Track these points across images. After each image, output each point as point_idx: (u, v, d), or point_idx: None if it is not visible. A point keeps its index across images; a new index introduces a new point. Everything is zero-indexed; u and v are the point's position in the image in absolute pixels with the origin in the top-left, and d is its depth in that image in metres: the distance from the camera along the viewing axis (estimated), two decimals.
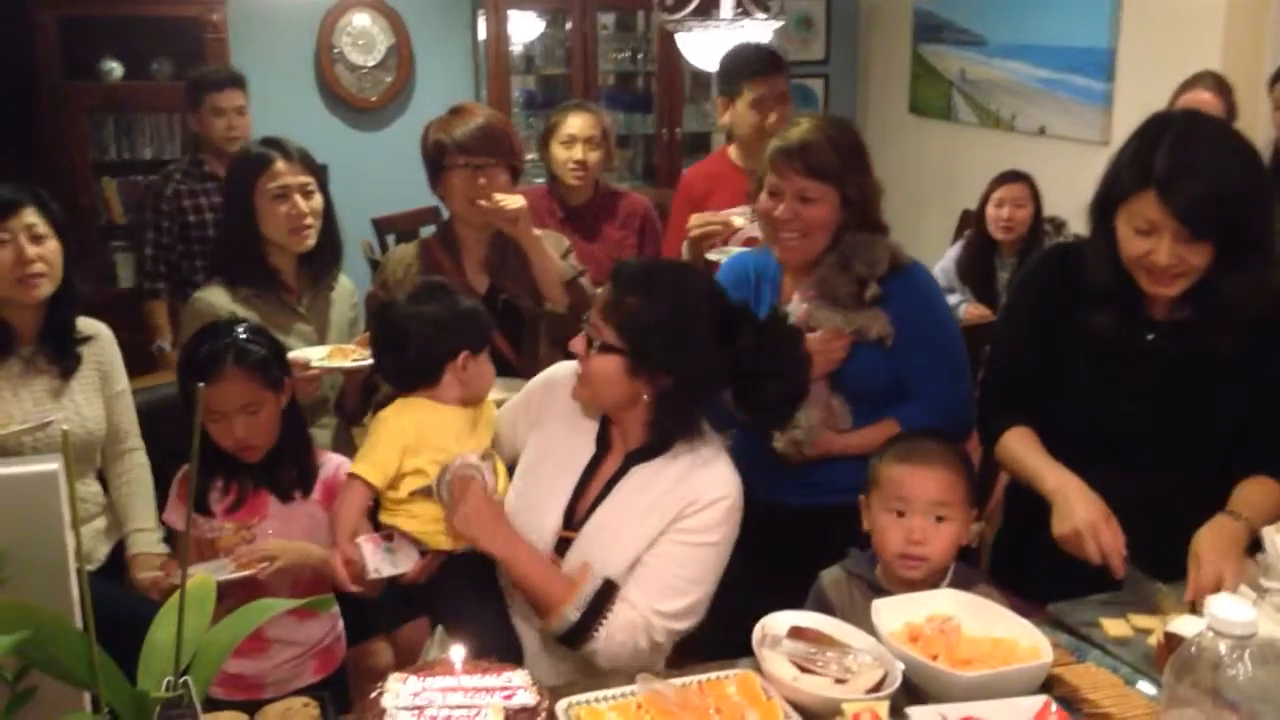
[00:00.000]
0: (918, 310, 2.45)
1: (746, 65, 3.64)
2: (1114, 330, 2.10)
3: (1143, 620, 1.92)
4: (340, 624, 2.33)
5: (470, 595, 2.10)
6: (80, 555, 1.27)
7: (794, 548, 2.25)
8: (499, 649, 1.99)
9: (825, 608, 2.00)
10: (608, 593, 1.99)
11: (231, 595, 1.97)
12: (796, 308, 2.46)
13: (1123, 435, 2.13)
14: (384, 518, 2.13)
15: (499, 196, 2.81)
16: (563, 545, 2.09)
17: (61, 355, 2.55)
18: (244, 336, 2.22)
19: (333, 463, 2.32)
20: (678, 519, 2.02)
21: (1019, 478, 2.22)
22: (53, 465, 1.31)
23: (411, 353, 2.17)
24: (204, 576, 1.39)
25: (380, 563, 2.05)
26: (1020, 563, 2.29)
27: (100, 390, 2.63)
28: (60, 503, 1.31)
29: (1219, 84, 4.01)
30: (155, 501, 2.64)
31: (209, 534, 2.18)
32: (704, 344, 2.02)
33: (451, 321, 2.17)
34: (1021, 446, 2.20)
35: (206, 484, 2.19)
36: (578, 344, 2.08)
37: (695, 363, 2.03)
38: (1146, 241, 1.97)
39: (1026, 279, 2.39)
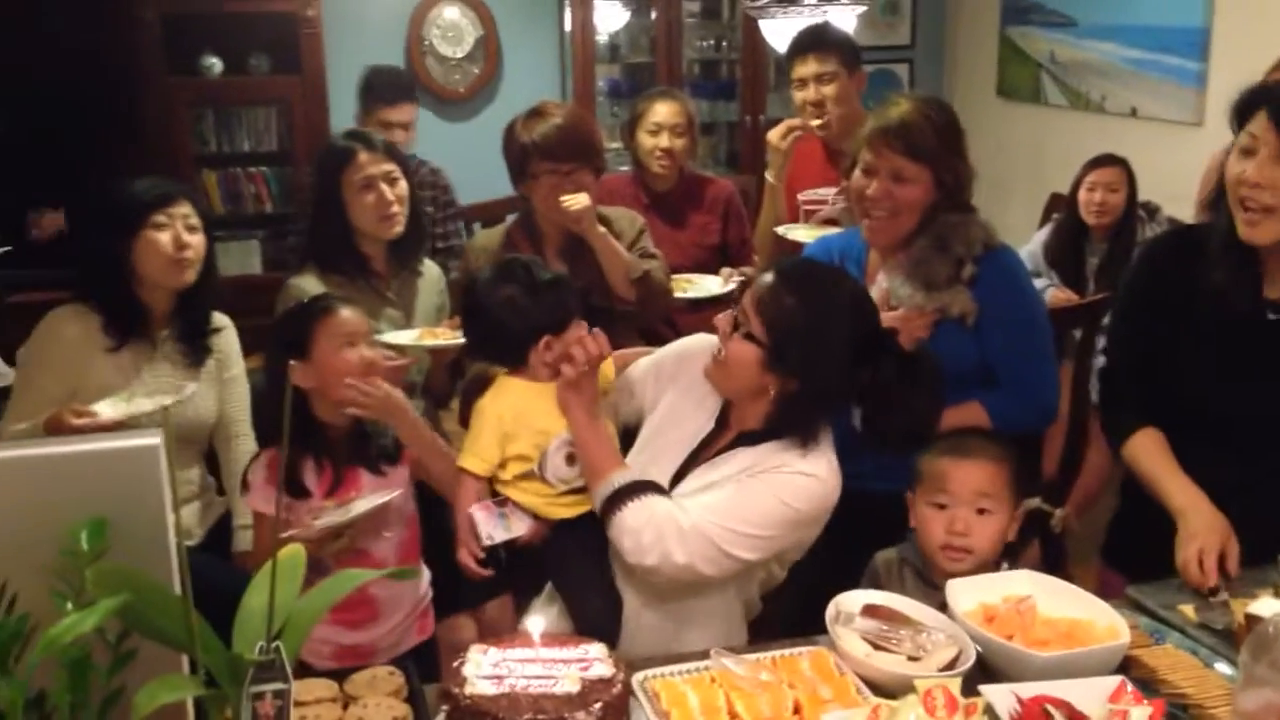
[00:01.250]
0: (1005, 294, 2.44)
1: (791, 47, 3.65)
2: (1233, 307, 2.08)
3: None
4: (429, 589, 2.40)
5: (578, 557, 2.14)
6: (179, 530, 1.34)
7: (873, 531, 2.26)
8: (603, 609, 2.07)
9: (876, 587, 2.03)
10: (637, 488, 2.01)
11: (340, 563, 2.06)
12: (878, 286, 2.47)
13: (1240, 418, 2.10)
14: (499, 488, 2.18)
15: (564, 197, 2.86)
16: None
17: (192, 344, 2.68)
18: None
19: None
20: (772, 469, 2.01)
21: (1144, 485, 2.18)
22: (154, 440, 1.38)
23: (494, 339, 2.19)
24: (295, 548, 1.45)
25: (494, 529, 2.10)
26: (1135, 544, 2.28)
27: (216, 378, 2.75)
28: (160, 476, 1.38)
29: None
30: None
31: (308, 515, 2.22)
32: (841, 359, 2.00)
33: (528, 305, 2.12)
34: (1150, 456, 2.17)
35: (299, 465, 2.23)
36: (723, 322, 2.08)
37: (827, 374, 2.01)
38: (1246, 162, 1.94)
39: (1142, 264, 2.36)
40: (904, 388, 2.04)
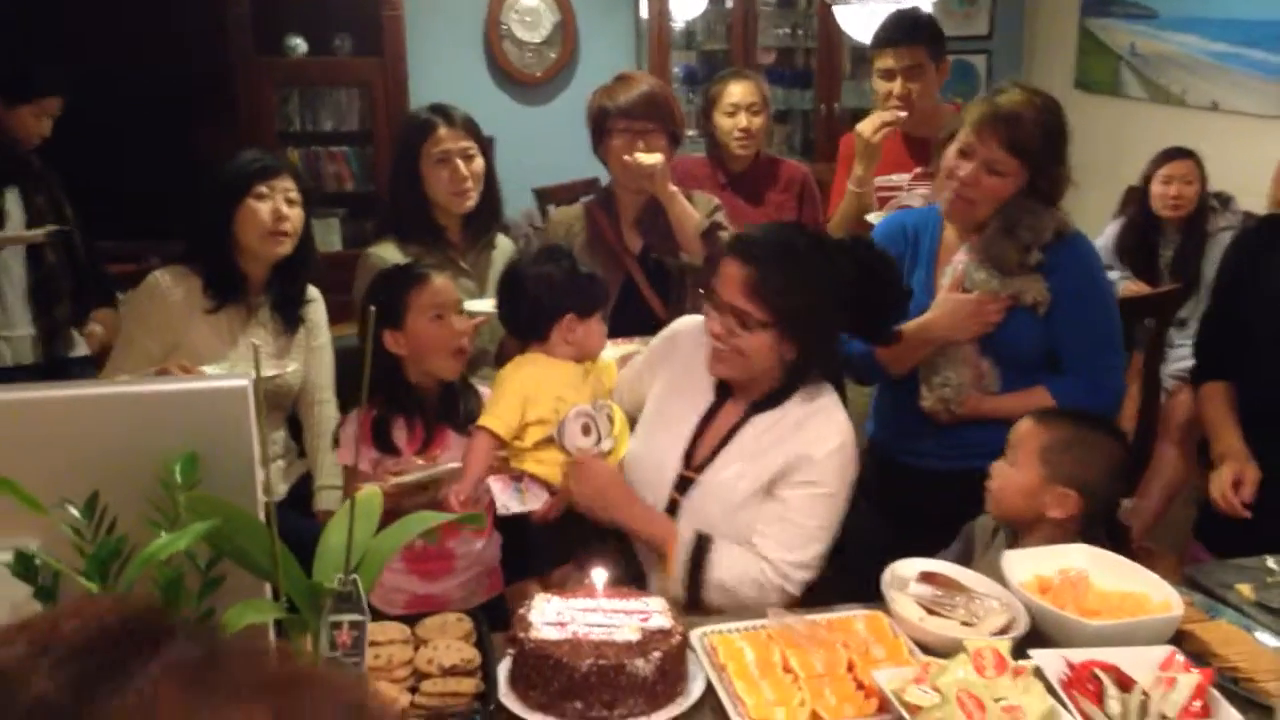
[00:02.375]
0: (1077, 281, 2.43)
1: (877, 35, 3.61)
2: None
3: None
4: (499, 551, 2.48)
5: (595, 528, 2.21)
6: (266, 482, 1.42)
7: (935, 510, 2.29)
8: (623, 579, 2.10)
9: (968, 546, 2.07)
10: (703, 547, 2.07)
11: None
12: (955, 267, 2.48)
13: None
14: (514, 463, 2.26)
15: (637, 154, 2.90)
16: (684, 484, 2.17)
17: (287, 313, 2.79)
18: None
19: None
20: (794, 470, 2.08)
21: (1204, 427, 2.38)
22: (243, 382, 1.46)
23: (524, 309, 2.32)
24: (372, 489, 1.53)
25: (509, 500, 2.20)
26: (1225, 523, 2.33)
27: (304, 346, 2.85)
28: (248, 416, 1.46)
29: None
30: None
31: (397, 469, 2.30)
32: (834, 296, 2.10)
33: (563, 285, 2.29)
34: (1212, 402, 2.39)
35: (389, 424, 2.34)
36: (715, 327, 2.12)
37: (828, 318, 2.12)
38: None
39: (1232, 248, 2.52)
40: (865, 280, 2.16)
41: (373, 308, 1.58)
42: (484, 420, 2.25)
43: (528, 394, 2.24)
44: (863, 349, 2.52)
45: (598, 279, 2.39)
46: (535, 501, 2.22)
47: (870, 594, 1.89)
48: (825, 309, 2.10)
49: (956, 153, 2.41)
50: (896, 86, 3.45)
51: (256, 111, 5.78)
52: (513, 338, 2.87)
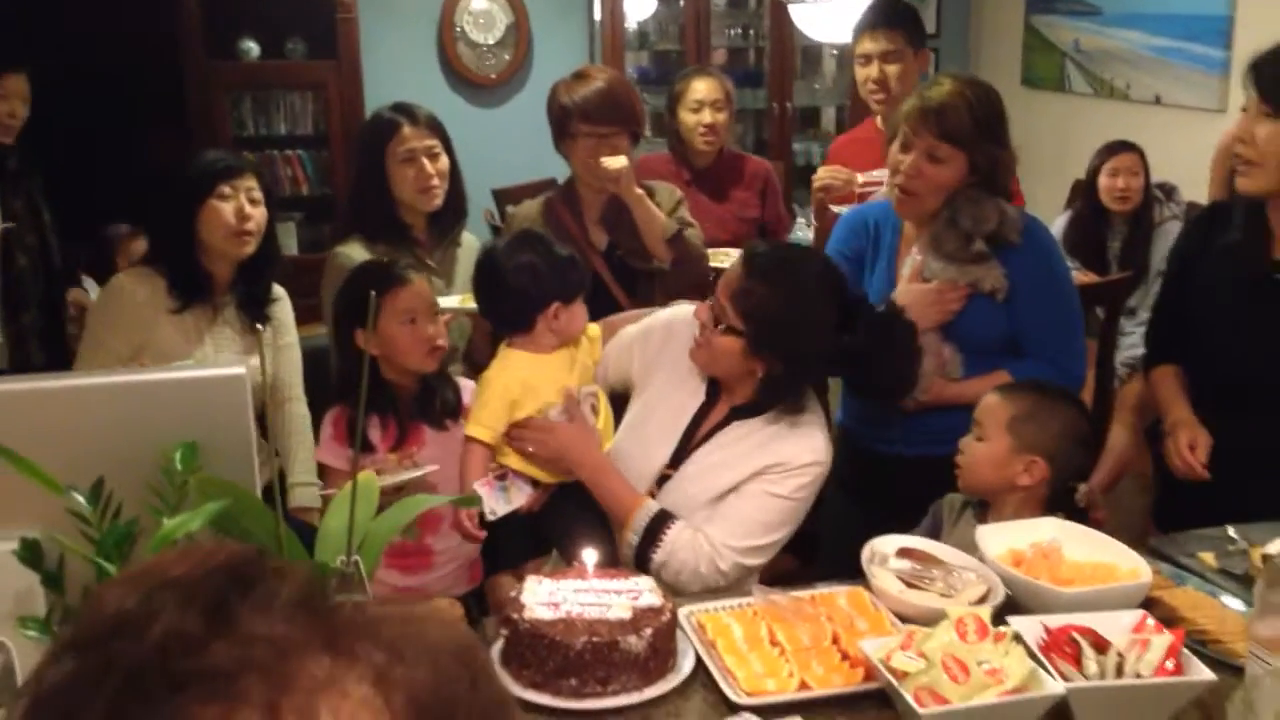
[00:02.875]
0: (1035, 266, 2.49)
1: (859, 22, 3.66)
2: (1244, 267, 2.23)
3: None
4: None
5: (576, 517, 2.26)
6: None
7: (904, 495, 2.34)
8: (605, 563, 2.18)
9: (936, 522, 2.13)
10: (661, 519, 2.13)
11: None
12: (914, 258, 2.54)
13: (1249, 376, 2.21)
14: (498, 458, 2.29)
15: (603, 159, 2.93)
16: (663, 480, 2.24)
17: (252, 312, 2.79)
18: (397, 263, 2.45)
19: (468, 390, 2.49)
20: (767, 470, 2.13)
21: (1157, 408, 2.43)
22: (239, 369, 1.48)
23: (507, 302, 2.31)
24: (369, 474, 1.55)
25: (496, 503, 2.22)
26: (1180, 505, 2.40)
27: (271, 345, 2.86)
28: (245, 403, 1.48)
29: None
30: (313, 451, 2.86)
31: (373, 468, 2.33)
32: (821, 335, 2.13)
33: (546, 272, 2.27)
34: (1163, 383, 2.45)
35: (364, 421, 2.35)
36: (703, 313, 2.19)
37: (807, 350, 2.14)
38: (1243, 121, 2.17)
39: (1181, 236, 2.61)
40: (880, 349, 2.18)
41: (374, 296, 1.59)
42: (471, 430, 2.26)
43: (514, 398, 2.26)
44: None
45: (576, 260, 2.37)
46: (520, 498, 2.24)
47: (847, 580, 1.94)
48: (800, 337, 2.12)
49: (898, 148, 2.50)
50: (874, 70, 3.50)
51: (209, 115, 5.75)
52: (490, 331, 2.89)
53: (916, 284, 2.49)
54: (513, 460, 2.28)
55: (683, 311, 2.38)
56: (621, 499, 2.19)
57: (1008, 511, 2.09)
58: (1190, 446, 2.26)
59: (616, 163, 2.92)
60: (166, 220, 2.72)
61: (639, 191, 2.97)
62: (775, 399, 2.17)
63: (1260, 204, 2.21)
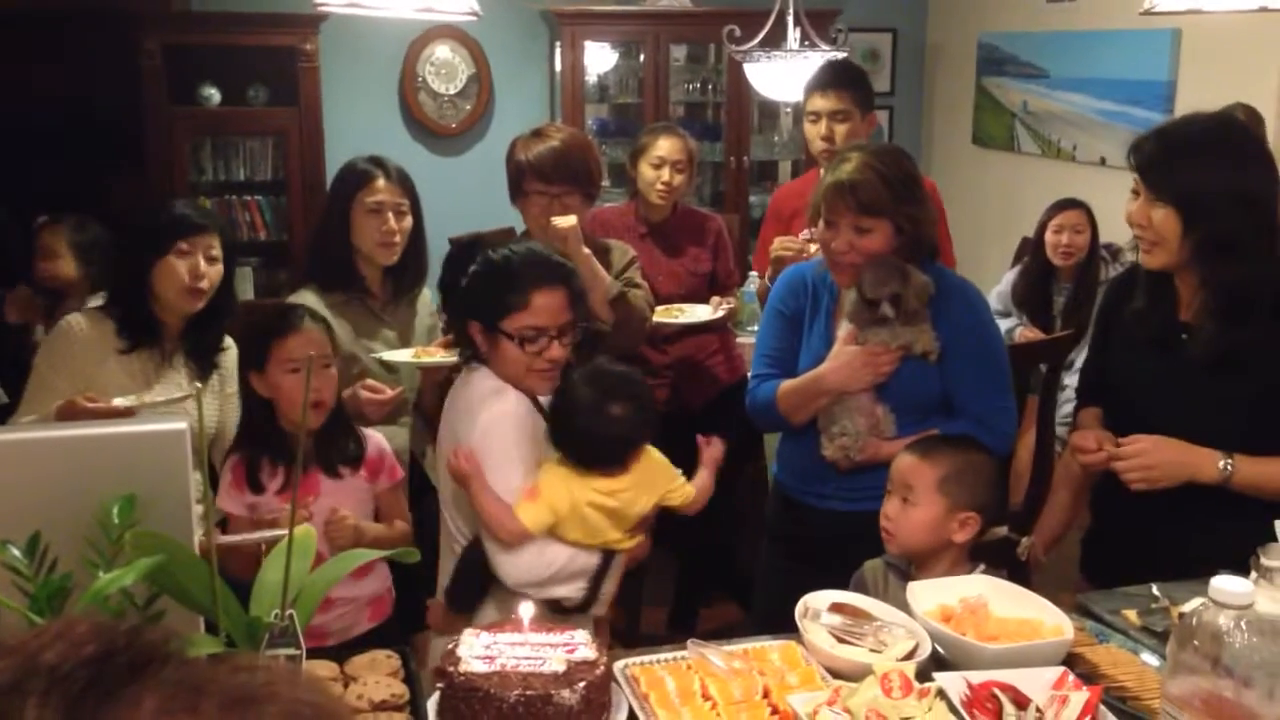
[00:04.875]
0: (966, 327, 2.56)
1: (810, 80, 3.76)
2: (1151, 328, 2.33)
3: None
4: (390, 579, 2.54)
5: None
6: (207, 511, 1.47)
7: (838, 550, 2.39)
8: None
9: (861, 590, 2.16)
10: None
11: None
12: (846, 323, 2.61)
13: (1161, 430, 2.28)
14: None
15: (553, 219, 2.98)
16: None
17: (200, 360, 2.82)
18: (300, 308, 2.50)
19: (374, 441, 2.53)
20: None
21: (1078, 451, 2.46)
22: (181, 425, 1.51)
23: (601, 446, 2.23)
24: (308, 528, 1.58)
25: None
26: (1107, 557, 2.48)
27: (218, 393, 2.88)
28: (185, 459, 1.51)
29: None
30: None
31: (268, 514, 2.34)
32: None
33: (637, 420, 2.22)
34: (1087, 418, 2.53)
35: (256, 464, 2.38)
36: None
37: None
38: (1132, 203, 2.26)
39: (1104, 295, 2.66)
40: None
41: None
42: (525, 517, 2.18)
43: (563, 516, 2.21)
44: (766, 400, 2.64)
45: (648, 391, 2.34)
46: None
47: (781, 632, 1.97)
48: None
49: (824, 226, 2.57)
50: (823, 128, 3.60)
51: (169, 160, 5.77)
52: (439, 383, 2.92)
53: (851, 346, 2.55)
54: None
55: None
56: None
57: (940, 569, 2.14)
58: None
59: (565, 222, 2.97)
60: (122, 267, 2.75)
61: (586, 252, 3.01)
62: None
63: (1166, 274, 2.32)
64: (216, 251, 2.75)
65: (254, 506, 2.35)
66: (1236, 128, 2.39)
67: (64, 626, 0.59)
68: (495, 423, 2.22)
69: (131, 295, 2.72)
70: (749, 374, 2.81)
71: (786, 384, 2.63)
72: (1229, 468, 2.20)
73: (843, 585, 2.22)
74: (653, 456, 2.29)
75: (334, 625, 2.41)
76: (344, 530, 2.31)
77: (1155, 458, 2.25)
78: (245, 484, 2.37)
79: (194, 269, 2.69)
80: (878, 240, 2.52)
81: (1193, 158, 2.22)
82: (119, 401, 2.56)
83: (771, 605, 2.12)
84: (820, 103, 3.65)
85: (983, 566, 2.18)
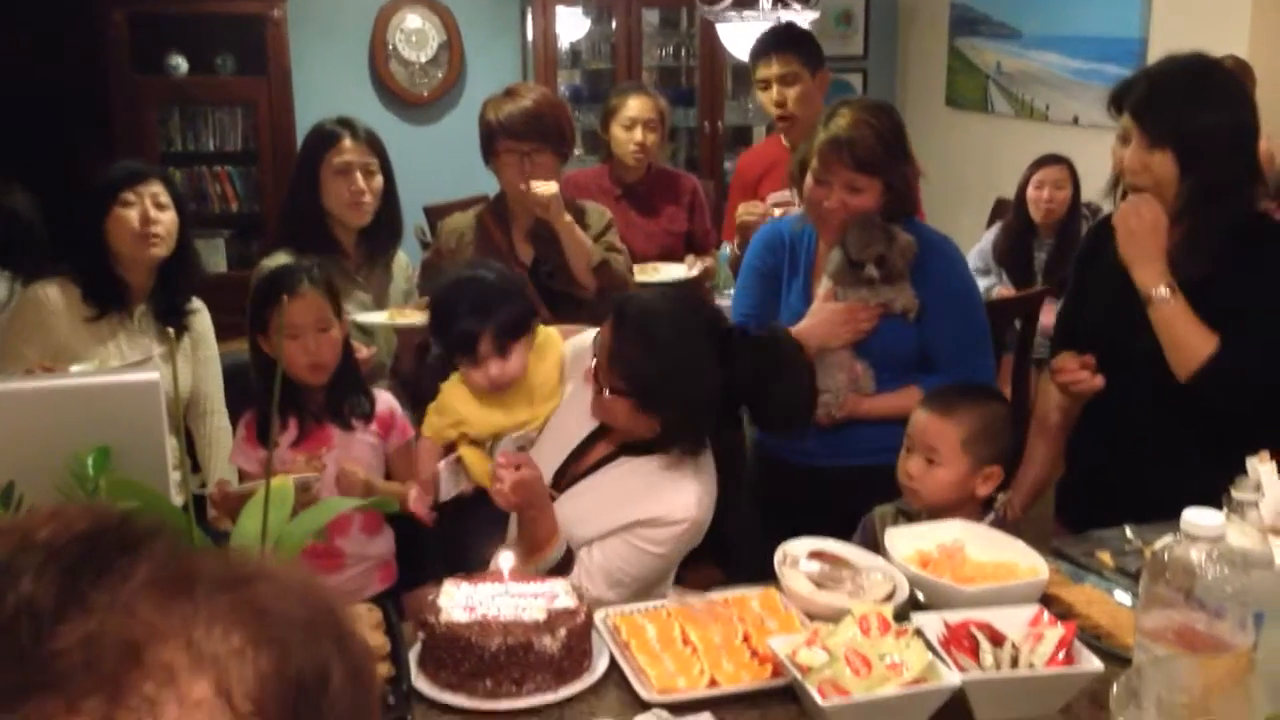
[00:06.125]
0: (946, 286, 2.57)
1: (754, 49, 3.77)
2: (1127, 275, 2.29)
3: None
4: (393, 546, 2.54)
5: (474, 538, 2.25)
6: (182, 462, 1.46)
7: (820, 506, 2.39)
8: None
9: (870, 535, 2.18)
10: (567, 561, 2.13)
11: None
12: (827, 280, 2.61)
13: (1136, 373, 2.29)
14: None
15: (533, 184, 2.97)
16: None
17: (168, 321, 2.80)
18: (308, 267, 2.49)
19: (384, 400, 2.53)
20: (637, 526, 2.10)
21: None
22: (153, 375, 1.50)
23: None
24: (283, 478, 1.58)
25: (449, 485, 2.31)
26: (1082, 502, 2.49)
27: (191, 357, 2.86)
28: (160, 409, 1.50)
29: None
30: None
31: (281, 468, 2.35)
32: (705, 378, 2.11)
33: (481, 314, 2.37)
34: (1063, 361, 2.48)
35: (269, 420, 2.38)
36: (588, 376, 2.21)
37: (696, 397, 2.11)
38: (1124, 149, 2.22)
39: (1081, 244, 2.66)
40: (769, 374, 2.18)
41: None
42: (424, 430, 2.40)
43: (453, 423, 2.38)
44: None
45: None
46: (467, 485, 2.31)
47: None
48: (684, 386, 2.09)
49: (815, 184, 2.54)
50: (774, 94, 3.61)
51: (136, 132, 5.71)
52: (416, 346, 2.92)
53: (830, 303, 2.55)
54: (467, 454, 2.35)
55: (585, 339, 2.42)
56: (544, 529, 2.14)
57: (960, 518, 2.15)
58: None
59: (546, 188, 2.95)
60: (76, 232, 2.74)
61: (568, 219, 3.00)
62: (675, 444, 2.14)
63: None
64: (164, 198, 2.75)
65: (264, 462, 2.37)
66: (1221, 69, 2.36)
67: (57, 508, 0.60)
68: None
69: (91, 260, 2.71)
70: None
71: None
72: (1167, 295, 2.21)
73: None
74: (538, 374, 2.41)
75: (348, 586, 2.40)
76: (354, 483, 2.31)
77: (1147, 215, 2.23)
78: (258, 440, 2.37)
79: (143, 215, 2.70)
80: (869, 198, 2.51)
81: (1190, 100, 2.19)
82: (76, 369, 2.54)
83: (751, 561, 2.12)
84: (766, 70, 3.66)
85: (992, 515, 2.20)
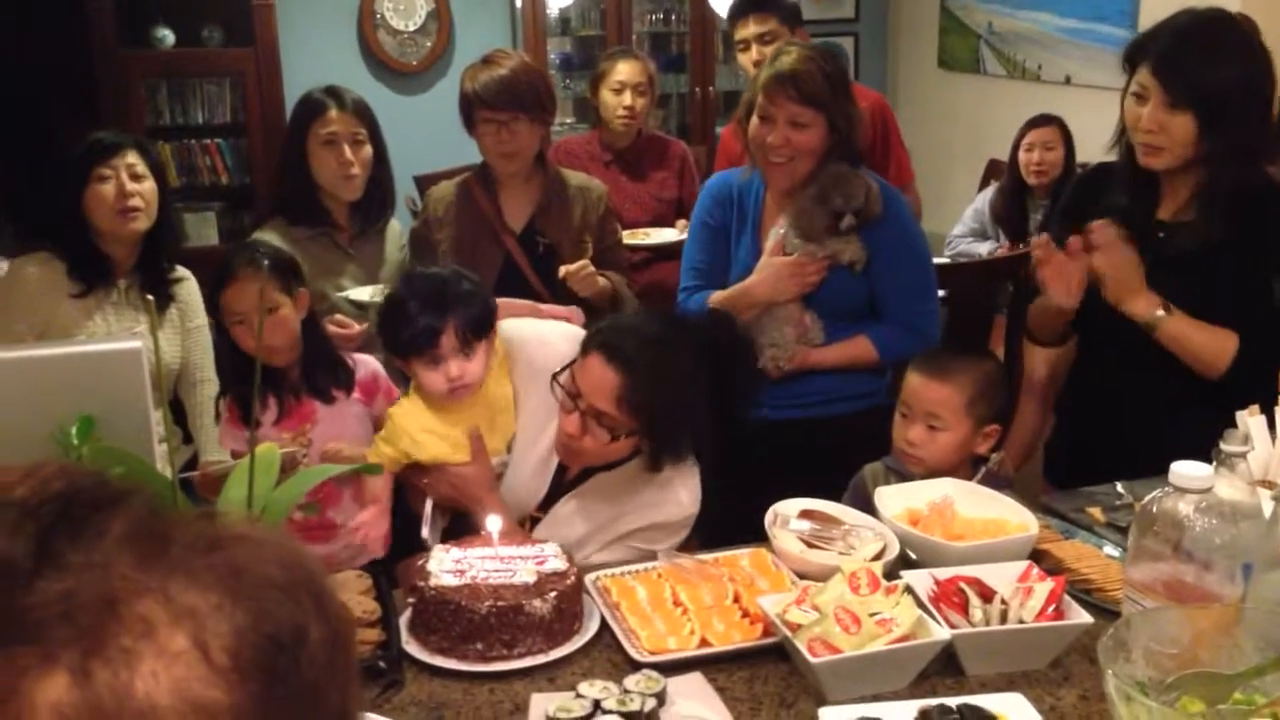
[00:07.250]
0: (893, 236, 2.59)
1: (731, 11, 3.77)
2: (1134, 225, 2.27)
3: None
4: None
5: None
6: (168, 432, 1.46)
7: (774, 461, 2.39)
8: None
9: (862, 493, 2.18)
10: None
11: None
12: (777, 232, 2.61)
13: (1121, 329, 2.28)
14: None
15: (563, 269, 2.88)
16: (533, 521, 2.17)
17: (154, 292, 2.78)
18: (253, 248, 2.44)
19: (365, 364, 2.50)
20: (640, 531, 2.07)
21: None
22: (135, 343, 1.50)
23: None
24: (270, 445, 1.57)
25: (434, 533, 2.20)
26: (1070, 459, 2.49)
27: (179, 327, 2.86)
28: (143, 377, 1.49)
29: (1248, 23, 4.09)
30: None
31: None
32: (701, 393, 2.06)
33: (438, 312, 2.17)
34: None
35: (248, 400, 2.36)
36: (571, 425, 2.05)
37: (696, 412, 2.07)
38: (1140, 107, 2.16)
39: (1067, 194, 2.60)
40: (726, 368, 2.13)
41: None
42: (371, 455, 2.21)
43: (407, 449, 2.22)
44: (698, 307, 2.64)
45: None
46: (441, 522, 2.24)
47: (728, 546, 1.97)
48: (688, 404, 2.05)
49: (759, 121, 2.56)
50: (754, 54, 3.61)
51: (123, 105, 5.66)
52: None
53: (778, 257, 2.56)
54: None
55: (549, 358, 2.20)
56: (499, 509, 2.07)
57: (960, 476, 2.15)
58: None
59: (574, 269, 2.88)
60: (55, 209, 2.73)
61: (603, 282, 2.96)
62: (663, 458, 2.08)
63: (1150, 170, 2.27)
64: (141, 169, 2.73)
65: (249, 441, 2.35)
66: (1242, 27, 2.31)
67: (32, 466, 0.60)
68: None
69: (72, 236, 2.69)
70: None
71: (716, 295, 2.65)
72: (1164, 315, 2.19)
73: (782, 495, 2.05)
74: (493, 399, 2.23)
75: (341, 555, 2.39)
76: (341, 460, 2.30)
77: (1119, 255, 2.21)
78: (241, 421, 2.35)
79: (120, 188, 2.69)
80: (813, 136, 2.53)
81: (1214, 60, 2.12)
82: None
83: (706, 517, 2.10)
84: (744, 30, 3.68)
85: (983, 471, 2.20)
